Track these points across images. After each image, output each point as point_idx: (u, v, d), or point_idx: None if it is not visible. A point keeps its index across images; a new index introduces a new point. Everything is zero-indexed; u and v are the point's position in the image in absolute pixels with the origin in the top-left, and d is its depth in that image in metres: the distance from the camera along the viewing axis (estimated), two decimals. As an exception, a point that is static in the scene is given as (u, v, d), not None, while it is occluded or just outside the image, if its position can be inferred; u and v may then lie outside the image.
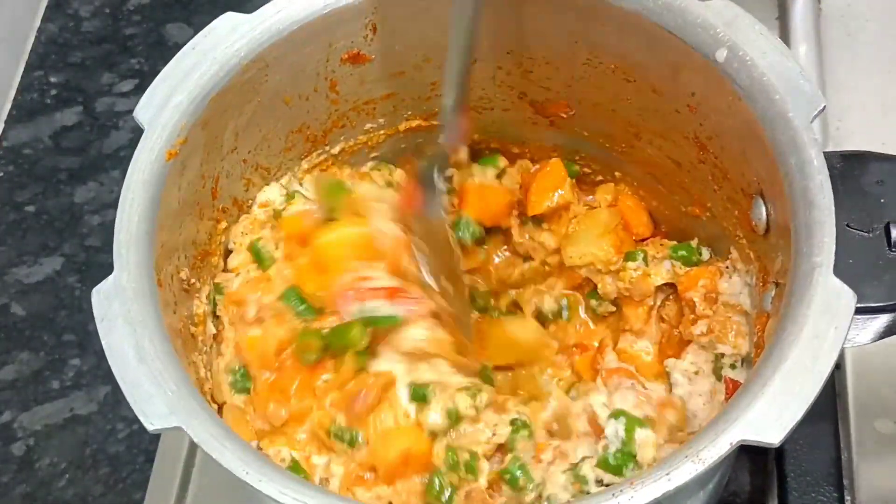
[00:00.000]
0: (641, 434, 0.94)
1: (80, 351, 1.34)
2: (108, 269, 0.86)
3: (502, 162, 1.14)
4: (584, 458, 0.95)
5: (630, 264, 1.06)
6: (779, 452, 1.10)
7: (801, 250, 0.83)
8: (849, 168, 0.92)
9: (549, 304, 1.13)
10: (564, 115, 1.11)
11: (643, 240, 1.11)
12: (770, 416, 0.75)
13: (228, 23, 0.96)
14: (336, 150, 1.13)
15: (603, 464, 0.93)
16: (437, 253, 1.03)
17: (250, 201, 1.07)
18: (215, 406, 0.98)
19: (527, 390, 1.09)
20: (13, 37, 1.61)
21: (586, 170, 1.15)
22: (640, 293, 1.06)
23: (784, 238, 0.87)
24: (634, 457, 0.93)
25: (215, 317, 1.02)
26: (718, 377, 0.98)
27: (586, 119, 1.10)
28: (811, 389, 0.76)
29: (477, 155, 1.15)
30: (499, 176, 1.13)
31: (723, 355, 0.98)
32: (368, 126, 1.13)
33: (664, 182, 1.11)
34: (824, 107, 0.87)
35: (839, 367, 1.17)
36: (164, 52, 1.59)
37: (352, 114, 1.10)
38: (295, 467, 0.95)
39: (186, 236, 0.97)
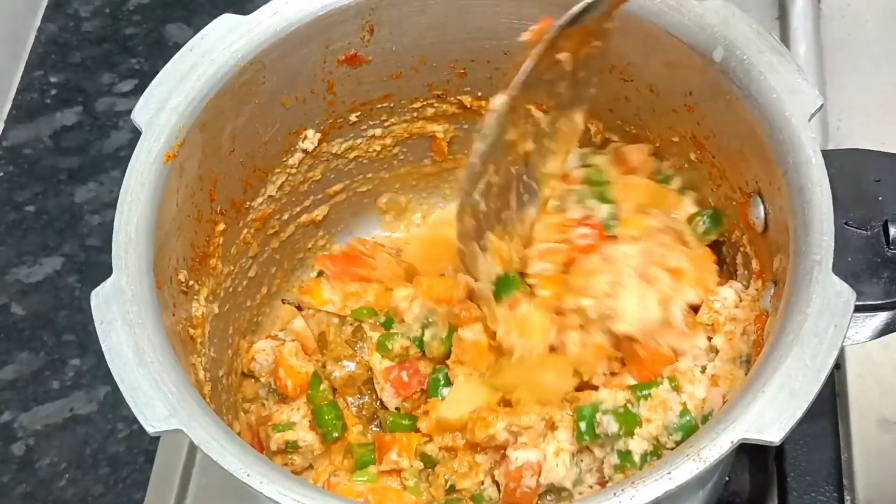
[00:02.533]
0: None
1: (80, 351, 1.34)
2: (107, 269, 0.86)
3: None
4: None
5: None
6: (779, 452, 1.10)
7: (799, 249, 0.83)
8: (847, 166, 0.92)
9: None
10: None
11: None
12: (770, 415, 0.75)
13: (225, 25, 0.96)
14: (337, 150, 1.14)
15: None
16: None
17: (248, 203, 1.08)
18: (213, 407, 0.98)
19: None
20: (13, 37, 1.61)
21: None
22: None
23: (783, 237, 0.87)
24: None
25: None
26: None
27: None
28: (811, 388, 0.76)
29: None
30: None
31: None
32: (366, 127, 1.13)
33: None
34: (822, 105, 0.87)
35: (839, 366, 1.17)
36: (164, 52, 1.59)
37: (350, 115, 1.10)
38: None
39: (185, 238, 0.97)
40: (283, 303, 1.10)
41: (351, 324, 1.06)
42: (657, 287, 0.97)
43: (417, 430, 1.01)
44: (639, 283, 0.97)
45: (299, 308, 1.09)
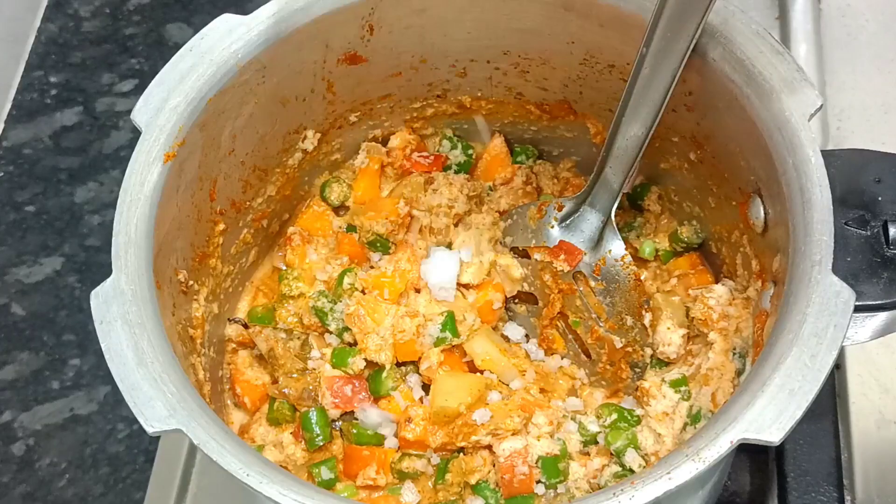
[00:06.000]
0: None
1: (80, 351, 1.35)
2: (107, 269, 0.86)
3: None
4: None
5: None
6: (779, 452, 1.10)
7: (799, 249, 0.83)
8: (846, 166, 0.92)
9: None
10: (573, 118, 1.11)
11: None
12: (770, 415, 0.75)
13: (225, 25, 0.96)
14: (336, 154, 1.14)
15: None
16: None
17: (248, 203, 1.08)
18: (213, 407, 0.98)
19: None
20: (13, 37, 1.61)
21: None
22: None
23: (783, 237, 0.87)
24: None
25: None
26: None
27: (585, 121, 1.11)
28: (811, 388, 0.76)
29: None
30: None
31: None
32: (366, 127, 1.13)
33: (662, 182, 1.11)
34: (821, 105, 0.87)
35: (839, 366, 1.17)
36: (164, 52, 1.59)
37: (349, 115, 1.10)
38: None
39: (185, 238, 0.96)
40: (229, 322, 1.10)
41: (298, 338, 1.06)
42: None
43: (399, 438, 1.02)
44: None
45: (245, 326, 1.09)
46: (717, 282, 1.05)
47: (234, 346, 1.09)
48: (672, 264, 1.11)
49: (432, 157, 1.15)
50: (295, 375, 1.04)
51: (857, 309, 0.80)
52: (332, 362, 1.03)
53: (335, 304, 1.04)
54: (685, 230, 1.09)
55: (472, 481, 0.99)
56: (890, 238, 0.89)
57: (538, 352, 1.07)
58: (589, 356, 1.05)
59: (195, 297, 1.00)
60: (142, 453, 1.27)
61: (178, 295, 0.95)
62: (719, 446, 0.75)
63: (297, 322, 1.07)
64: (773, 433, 0.75)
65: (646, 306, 1.03)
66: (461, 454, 1.00)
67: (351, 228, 1.10)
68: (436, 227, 1.08)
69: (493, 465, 0.99)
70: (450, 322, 1.01)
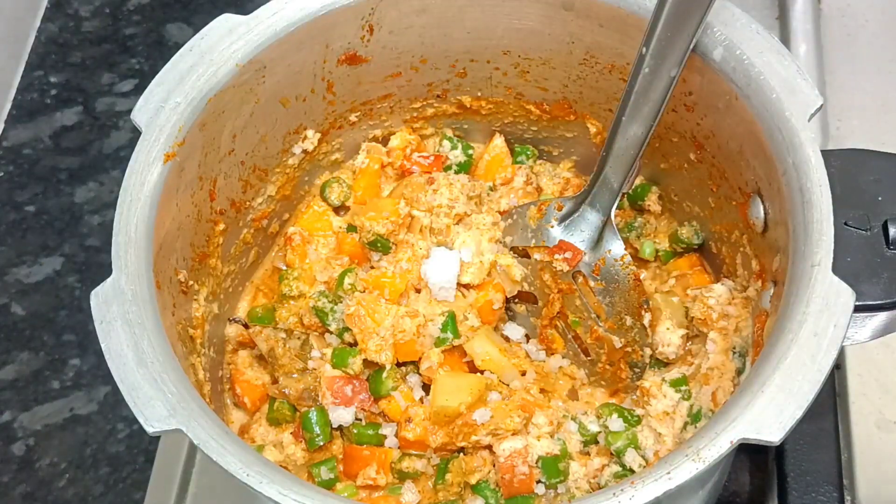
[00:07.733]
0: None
1: (80, 351, 1.35)
2: (107, 269, 0.86)
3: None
4: None
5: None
6: (779, 452, 1.10)
7: (799, 249, 0.83)
8: (846, 166, 0.92)
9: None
10: (573, 118, 1.11)
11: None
12: (770, 415, 0.76)
13: (225, 25, 0.96)
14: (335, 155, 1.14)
15: None
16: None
17: (248, 203, 1.08)
18: (213, 407, 0.98)
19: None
20: (13, 37, 1.61)
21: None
22: None
23: (783, 237, 0.87)
24: None
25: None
26: None
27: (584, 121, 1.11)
28: (811, 388, 0.76)
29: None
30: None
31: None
32: (366, 127, 1.13)
33: (662, 182, 1.11)
34: (821, 105, 0.87)
35: (839, 366, 1.17)
36: (164, 52, 1.60)
37: (349, 115, 1.10)
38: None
39: (185, 239, 0.97)
40: (230, 322, 1.10)
41: (298, 337, 1.06)
42: None
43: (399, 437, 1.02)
44: None
45: (246, 326, 1.09)
46: (717, 282, 1.05)
47: (234, 346, 1.09)
48: (672, 264, 1.11)
49: (432, 157, 1.15)
50: (295, 375, 1.04)
51: (857, 309, 0.80)
52: (333, 362, 1.03)
53: (335, 304, 1.04)
54: (685, 230, 1.09)
55: (472, 481, 0.99)
56: (890, 238, 0.89)
57: (538, 352, 1.07)
58: (588, 356, 1.05)
59: (195, 297, 1.00)
60: (142, 453, 1.27)
61: (178, 295, 0.95)
62: (719, 446, 0.75)
63: (297, 322, 1.07)
64: (773, 433, 0.75)
65: (645, 306, 1.03)
66: (461, 454, 1.00)
67: (351, 228, 1.10)
68: (436, 227, 1.08)
69: (493, 465, 0.99)
70: (451, 322, 1.01)
